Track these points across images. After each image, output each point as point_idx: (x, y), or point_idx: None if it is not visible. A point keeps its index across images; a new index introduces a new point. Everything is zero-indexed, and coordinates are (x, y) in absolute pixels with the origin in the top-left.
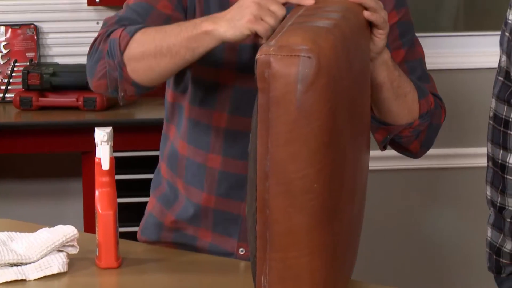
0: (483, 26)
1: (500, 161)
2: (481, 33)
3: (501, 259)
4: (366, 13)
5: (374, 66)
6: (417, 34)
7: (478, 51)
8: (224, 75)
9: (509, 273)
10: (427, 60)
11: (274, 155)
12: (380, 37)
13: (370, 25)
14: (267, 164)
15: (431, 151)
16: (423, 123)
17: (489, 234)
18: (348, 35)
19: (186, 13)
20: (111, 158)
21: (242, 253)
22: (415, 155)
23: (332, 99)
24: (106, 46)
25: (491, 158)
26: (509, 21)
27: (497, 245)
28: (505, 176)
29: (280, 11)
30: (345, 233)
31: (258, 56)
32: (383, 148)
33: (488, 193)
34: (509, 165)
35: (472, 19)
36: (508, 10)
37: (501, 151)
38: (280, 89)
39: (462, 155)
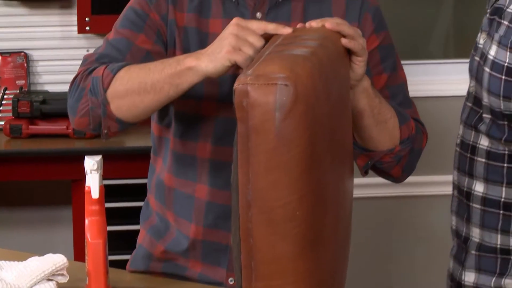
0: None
1: (465, 188)
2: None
3: None
4: (344, 41)
5: (354, 93)
6: (407, 61)
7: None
8: (205, 107)
9: None
10: (417, 87)
11: (255, 184)
12: (359, 64)
13: (349, 52)
14: (249, 193)
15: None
16: (404, 148)
17: (450, 265)
18: (325, 62)
19: (166, 46)
20: (100, 187)
21: (231, 282)
22: (397, 179)
23: (311, 126)
24: (88, 83)
25: (456, 187)
26: (479, 45)
27: (457, 278)
28: (470, 204)
29: (258, 42)
30: (330, 259)
31: (236, 86)
32: (365, 173)
33: (453, 222)
34: (475, 192)
35: (461, 46)
36: (479, 34)
37: (466, 179)
38: (258, 117)
39: (430, 182)
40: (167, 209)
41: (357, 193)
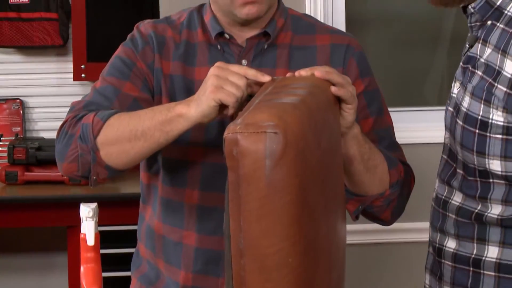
0: None
1: (437, 245)
2: None
3: None
4: (333, 89)
5: (345, 140)
6: (401, 108)
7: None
8: (192, 153)
9: None
10: (410, 133)
11: (247, 232)
12: (349, 112)
13: (339, 100)
14: (241, 241)
15: (378, 226)
16: (393, 192)
17: None
18: (314, 110)
19: (153, 93)
20: (96, 234)
21: None
22: (387, 223)
23: (302, 173)
24: (77, 130)
25: (431, 244)
26: (453, 95)
27: None
28: (442, 261)
29: (239, 81)
30: None
31: (225, 134)
32: (355, 218)
33: (427, 281)
34: (446, 249)
35: None
36: (453, 83)
37: (438, 235)
38: (249, 166)
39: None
40: (157, 256)
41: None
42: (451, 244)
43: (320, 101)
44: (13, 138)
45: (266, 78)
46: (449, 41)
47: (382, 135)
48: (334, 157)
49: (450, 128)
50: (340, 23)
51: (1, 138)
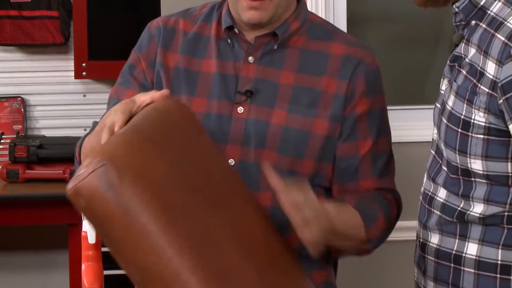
0: None
1: (422, 240)
2: None
3: None
4: (286, 207)
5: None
6: (403, 107)
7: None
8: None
9: None
10: (412, 132)
11: (133, 263)
12: (304, 236)
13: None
14: (135, 274)
15: None
16: (372, 246)
17: None
18: (147, 129)
19: (152, 88)
20: None
21: None
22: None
23: (150, 185)
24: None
25: (418, 238)
26: (441, 92)
27: None
28: (426, 256)
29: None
30: (251, 280)
31: (67, 192)
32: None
33: (416, 274)
34: (430, 244)
35: None
36: (442, 80)
37: (422, 230)
38: (98, 207)
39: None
40: None
41: None
42: (434, 239)
43: (156, 119)
44: (14, 136)
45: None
46: (450, 40)
47: (377, 158)
48: (203, 154)
49: (437, 125)
50: (341, 22)
51: (2, 136)
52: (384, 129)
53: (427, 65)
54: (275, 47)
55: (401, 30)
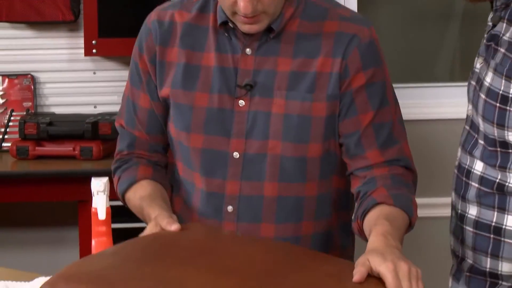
0: None
1: (459, 211)
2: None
3: None
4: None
5: None
6: (413, 85)
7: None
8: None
9: None
10: (422, 109)
11: None
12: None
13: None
14: None
15: None
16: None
17: (449, 285)
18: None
19: (157, 87)
20: (107, 208)
21: None
22: None
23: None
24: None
25: (453, 208)
26: (476, 70)
27: None
28: (464, 227)
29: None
30: None
31: None
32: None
33: (451, 242)
34: (468, 216)
35: (467, 69)
36: (476, 58)
37: (460, 202)
38: None
39: (434, 205)
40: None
41: None
42: (472, 211)
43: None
44: (24, 113)
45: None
46: (461, 18)
47: (379, 129)
48: None
49: (473, 101)
50: (351, 1)
51: (12, 114)
52: (385, 99)
53: (437, 42)
54: (271, 36)
55: (411, 7)
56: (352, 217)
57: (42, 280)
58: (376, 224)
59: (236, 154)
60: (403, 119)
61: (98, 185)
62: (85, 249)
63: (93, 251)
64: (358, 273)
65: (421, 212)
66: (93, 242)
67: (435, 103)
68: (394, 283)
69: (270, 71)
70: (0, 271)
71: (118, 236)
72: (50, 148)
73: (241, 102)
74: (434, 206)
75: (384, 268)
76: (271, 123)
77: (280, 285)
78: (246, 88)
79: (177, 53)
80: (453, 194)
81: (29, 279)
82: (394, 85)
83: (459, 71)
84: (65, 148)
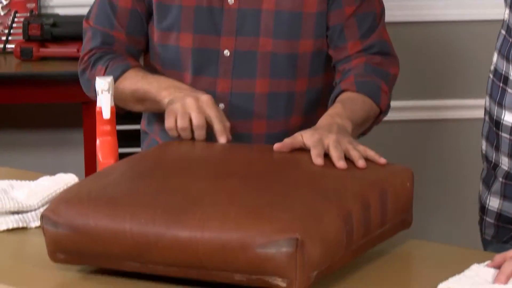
0: None
1: (495, 117)
2: None
3: (485, 217)
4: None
5: None
6: None
7: (490, 2)
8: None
9: (492, 235)
10: (450, 10)
11: None
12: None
13: None
14: None
15: (430, 103)
16: (386, 110)
17: (480, 188)
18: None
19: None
20: (112, 107)
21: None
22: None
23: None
24: (92, 80)
25: (487, 113)
26: None
27: (482, 201)
28: (500, 133)
29: (199, 121)
30: None
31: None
32: None
33: (483, 147)
34: (504, 122)
35: None
36: None
37: (496, 107)
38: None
39: (461, 106)
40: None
41: (387, 116)
42: (508, 117)
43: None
44: (28, 14)
45: (221, 140)
46: None
47: (361, 19)
48: None
49: (509, 4)
50: None
51: (16, 15)
52: None
53: None
54: None
55: None
56: None
57: (47, 179)
58: (329, 108)
59: (226, 52)
60: (438, 19)
61: (103, 84)
62: (90, 150)
63: (98, 150)
64: (282, 143)
65: (449, 114)
66: (97, 141)
67: (462, 3)
68: (313, 151)
69: None
70: (5, 171)
71: (123, 137)
72: (54, 50)
73: (230, 0)
74: (463, 108)
75: (307, 139)
76: (261, 20)
77: (282, 179)
78: None
79: None
80: (487, 98)
81: (34, 178)
82: None
83: None
84: (69, 49)
